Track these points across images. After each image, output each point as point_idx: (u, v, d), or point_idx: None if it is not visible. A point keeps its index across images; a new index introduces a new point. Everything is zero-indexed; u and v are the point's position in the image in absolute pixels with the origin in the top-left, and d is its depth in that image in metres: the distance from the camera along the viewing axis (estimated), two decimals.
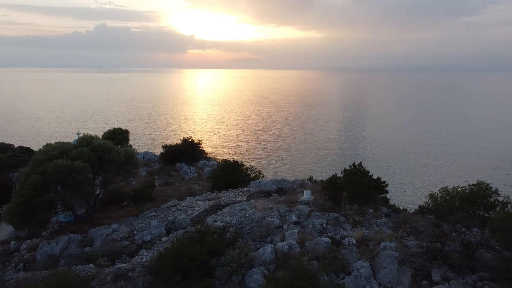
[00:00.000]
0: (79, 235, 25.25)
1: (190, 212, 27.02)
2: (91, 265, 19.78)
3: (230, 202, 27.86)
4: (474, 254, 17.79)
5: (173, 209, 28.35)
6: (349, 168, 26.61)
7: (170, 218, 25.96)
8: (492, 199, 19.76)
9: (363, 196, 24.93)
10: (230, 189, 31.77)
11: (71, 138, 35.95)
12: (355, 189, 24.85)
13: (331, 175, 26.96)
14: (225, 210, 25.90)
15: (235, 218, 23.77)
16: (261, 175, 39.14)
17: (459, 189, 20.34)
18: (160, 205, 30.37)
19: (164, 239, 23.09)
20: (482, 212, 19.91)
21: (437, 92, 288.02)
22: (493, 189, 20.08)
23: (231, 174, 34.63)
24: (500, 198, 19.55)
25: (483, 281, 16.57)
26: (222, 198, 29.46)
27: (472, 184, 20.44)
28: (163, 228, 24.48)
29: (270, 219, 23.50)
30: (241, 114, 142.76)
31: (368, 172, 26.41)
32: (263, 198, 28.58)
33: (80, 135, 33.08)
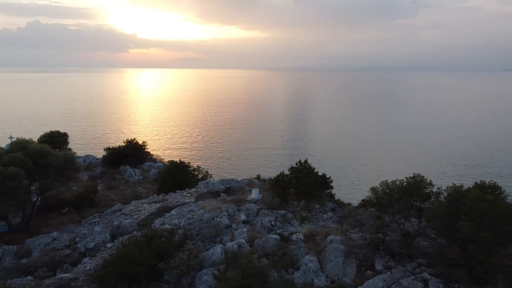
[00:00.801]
0: (15, 246, 23.56)
1: (136, 216, 26.20)
2: (29, 277, 18.55)
3: (178, 203, 27.39)
4: (412, 243, 18.91)
5: (118, 214, 27.33)
6: (296, 166, 27.17)
7: (115, 223, 25.01)
8: (427, 190, 21.09)
9: (310, 193, 25.60)
10: (177, 191, 31.22)
11: (2, 142, 33.46)
12: (302, 186, 25.43)
13: (278, 173, 27.38)
14: (173, 212, 25.41)
15: (183, 220, 23.40)
16: (209, 176, 38.87)
17: (397, 182, 21.50)
18: (103, 210, 29.15)
19: (109, 245, 22.21)
20: (418, 203, 21.20)
21: (377, 90, 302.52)
22: (428, 181, 21.45)
23: (178, 175, 34.03)
24: (434, 189, 20.92)
25: (421, 267, 17.66)
26: (170, 200, 28.88)
27: (409, 177, 21.68)
28: (107, 234, 23.52)
29: (219, 219, 23.41)
30: (187, 115, 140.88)
31: (314, 169, 27.13)
32: (212, 198, 28.40)
33: (13, 139, 30.89)
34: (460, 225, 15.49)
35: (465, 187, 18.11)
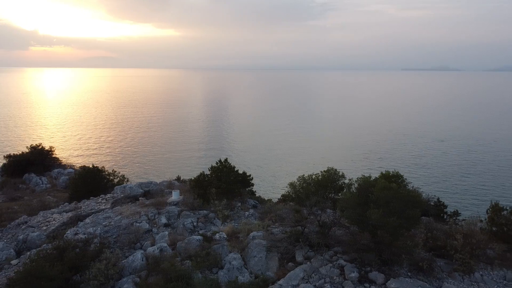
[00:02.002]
0: None
1: (45, 227, 24.13)
2: None
3: (93, 211, 25.81)
4: (329, 233, 20.02)
5: (23, 227, 24.93)
6: (216, 165, 27.20)
7: (21, 237, 22.81)
8: (340, 183, 22.50)
9: (231, 191, 25.82)
10: (91, 198, 29.41)
11: None
12: (223, 185, 25.54)
13: (199, 174, 27.17)
14: (87, 220, 23.89)
15: (99, 228, 22.13)
16: (126, 180, 37.21)
17: (313, 176, 22.62)
18: (6, 224, 26.38)
19: (14, 262, 20.18)
20: (333, 195, 22.54)
21: (291, 88, 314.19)
22: (340, 173, 22.89)
23: (91, 181, 32.08)
24: (346, 181, 22.38)
25: (337, 255, 18.79)
26: (83, 208, 27.09)
27: (324, 171, 22.94)
28: (12, 250, 21.36)
29: (138, 224, 22.55)
30: (99, 117, 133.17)
31: (234, 167, 27.40)
32: (130, 203, 27.23)
33: None
34: (369, 213, 16.75)
35: (373, 177, 19.63)
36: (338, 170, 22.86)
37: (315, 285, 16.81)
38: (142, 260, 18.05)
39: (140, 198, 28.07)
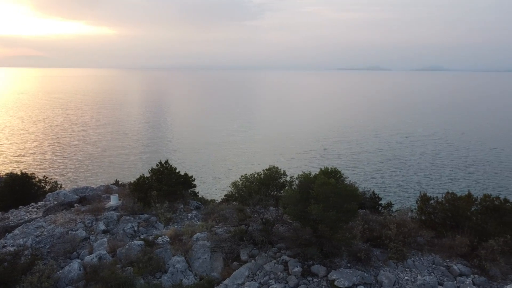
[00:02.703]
0: None
1: None
2: None
3: (22, 221, 24.05)
4: (272, 230, 20.35)
5: None
6: (157, 167, 26.54)
7: None
8: (281, 180, 22.94)
9: (173, 193, 25.33)
10: (20, 207, 27.36)
11: None
12: (164, 187, 24.98)
13: (139, 176, 26.35)
14: (16, 231, 22.22)
15: (30, 239, 20.67)
16: (59, 186, 35.10)
17: (256, 175, 22.85)
18: None
19: None
20: (275, 192, 22.92)
21: (232, 88, 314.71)
22: (282, 171, 23.34)
23: (20, 189, 29.86)
24: (288, 178, 22.87)
25: (281, 251, 19.16)
26: (11, 218, 25.14)
27: (266, 169, 23.26)
28: None
29: (74, 232, 21.39)
30: (27, 120, 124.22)
31: (175, 169, 26.91)
32: (64, 210, 25.73)
33: None
34: (310, 208, 17.27)
35: (313, 174, 20.25)
36: (279, 168, 23.30)
37: (260, 282, 17.00)
38: (80, 270, 17.14)
39: (75, 205, 26.62)
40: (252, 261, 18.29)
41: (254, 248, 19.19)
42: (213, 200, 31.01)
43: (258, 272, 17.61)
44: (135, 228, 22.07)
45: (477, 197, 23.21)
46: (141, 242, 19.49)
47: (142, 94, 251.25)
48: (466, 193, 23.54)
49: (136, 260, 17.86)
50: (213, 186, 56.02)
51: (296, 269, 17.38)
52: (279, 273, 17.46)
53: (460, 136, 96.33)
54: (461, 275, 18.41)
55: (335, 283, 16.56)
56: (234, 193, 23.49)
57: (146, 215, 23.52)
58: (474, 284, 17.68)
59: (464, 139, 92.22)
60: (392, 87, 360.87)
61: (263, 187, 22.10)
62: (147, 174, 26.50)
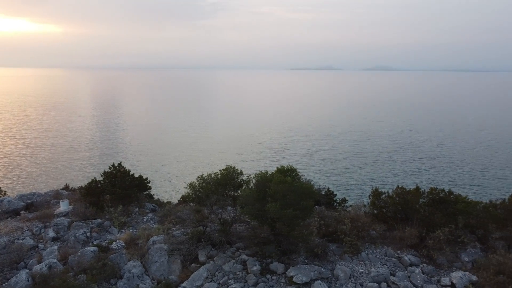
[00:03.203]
0: None
1: None
2: None
3: None
4: (230, 230, 20.32)
5: None
6: (109, 170, 25.68)
7: None
8: (239, 180, 22.96)
9: (127, 196, 24.62)
10: None
11: None
12: (117, 191, 24.22)
13: (90, 180, 25.36)
14: None
15: None
16: (3, 192, 32.99)
17: (212, 175, 22.71)
18: None
19: None
20: (233, 192, 22.90)
21: (185, 88, 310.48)
22: (239, 171, 23.36)
23: None
24: (245, 178, 22.92)
25: (239, 250, 19.18)
26: None
27: (223, 169, 23.18)
28: None
29: (20, 241, 20.22)
30: None
31: (129, 171, 26.17)
32: (9, 218, 24.25)
33: None
34: (268, 207, 17.42)
35: (269, 172, 20.44)
36: (236, 168, 23.30)
37: (219, 283, 16.93)
38: (28, 281, 16.24)
39: (21, 212, 25.15)
40: (211, 262, 18.18)
41: (213, 249, 19.09)
42: (169, 202, 30.48)
43: (217, 273, 17.53)
44: (88, 234, 21.23)
45: (424, 190, 24.47)
46: (94, 248, 18.78)
47: (90, 94, 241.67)
48: (415, 187, 24.75)
49: (89, 267, 17.19)
50: (169, 187, 55.06)
51: (255, 268, 17.47)
52: (238, 273, 17.48)
53: (408, 132, 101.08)
54: (411, 265, 19.33)
55: (293, 279, 16.83)
56: (191, 194, 23.20)
57: (99, 220, 22.69)
58: (423, 273, 18.62)
59: (411, 135, 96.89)
60: (343, 86, 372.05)
61: (220, 187, 22.01)
62: (99, 178, 25.57)
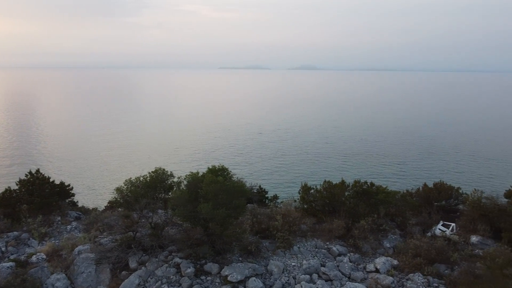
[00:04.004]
0: None
1: None
2: None
3: None
4: (162, 233, 19.81)
5: None
6: (26, 178, 23.73)
7: None
8: (169, 182, 22.47)
9: (47, 205, 22.92)
10: None
11: None
12: (36, 200, 22.46)
13: (4, 190, 23.22)
14: None
15: None
16: None
17: (141, 178, 21.95)
18: None
19: None
20: (163, 195, 22.35)
21: (109, 89, 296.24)
22: (169, 172, 22.86)
23: None
24: (175, 179, 22.47)
25: (172, 254, 18.77)
26: None
27: (152, 172, 22.51)
28: None
29: None
30: None
31: (49, 178, 24.42)
32: None
33: None
34: (200, 207, 17.25)
35: (201, 173, 20.25)
36: (166, 170, 22.77)
37: None
38: None
39: None
40: (143, 268, 17.58)
41: (144, 255, 18.47)
42: (95, 209, 28.94)
43: (149, 279, 17.00)
44: (3, 249, 19.42)
45: (349, 183, 25.89)
46: (11, 263, 17.23)
47: (1, 96, 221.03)
48: (340, 180, 26.06)
49: (6, 285, 15.72)
50: (94, 193, 52.21)
51: (188, 270, 17.22)
52: (171, 277, 17.10)
53: (333, 129, 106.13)
54: (339, 254, 20.33)
55: (228, 278, 16.86)
56: (118, 199, 22.22)
57: (15, 233, 20.86)
58: (350, 261, 19.68)
59: (336, 131, 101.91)
60: (271, 85, 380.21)
61: (150, 190, 21.37)
62: (14, 187, 23.50)
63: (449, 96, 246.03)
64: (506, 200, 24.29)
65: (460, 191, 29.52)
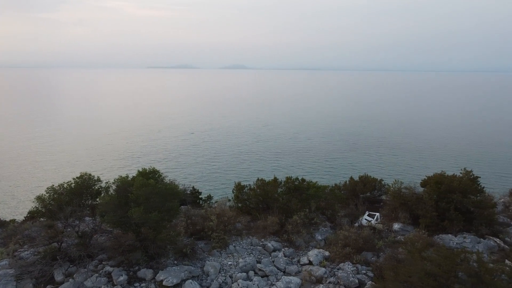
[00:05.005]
0: None
1: None
2: None
3: None
4: (90, 242, 18.77)
5: None
6: None
7: None
8: (96, 187, 21.31)
9: None
10: None
11: None
12: None
13: None
14: None
15: None
16: None
17: (65, 185, 20.58)
18: None
19: None
20: (90, 201, 21.15)
21: (27, 90, 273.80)
22: (96, 177, 21.67)
23: None
24: (103, 184, 21.36)
25: (103, 262, 17.88)
26: None
27: (77, 177, 21.19)
28: None
29: None
30: None
31: None
32: None
33: None
34: (131, 212, 16.61)
35: (131, 176, 19.50)
36: (92, 175, 21.59)
37: None
38: None
39: None
40: (70, 280, 16.54)
41: (71, 266, 17.38)
42: (13, 220, 26.67)
43: None
44: None
45: (281, 180, 26.54)
46: None
47: None
48: (273, 178, 26.62)
49: None
50: (12, 204, 48.01)
51: (121, 278, 16.52)
52: (102, 287, 16.30)
53: (263, 127, 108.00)
54: (274, 250, 20.78)
55: (164, 283, 16.46)
56: (40, 208, 20.64)
57: None
58: (285, 256, 20.20)
59: (268, 130, 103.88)
60: (201, 84, 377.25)
61: (75, 197, 20.12)
62: None
63: (373, 94, 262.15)
64: (422, 189, 26.47)
65: (383, 182, 31.65)
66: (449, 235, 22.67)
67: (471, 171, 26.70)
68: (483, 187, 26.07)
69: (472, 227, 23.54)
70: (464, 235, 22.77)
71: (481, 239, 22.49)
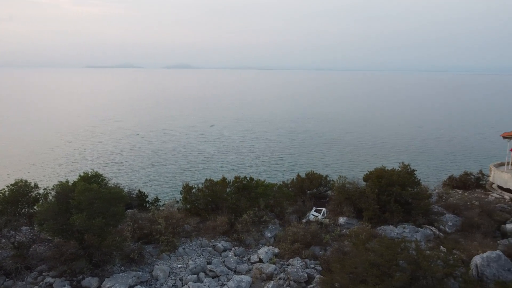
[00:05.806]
0: None
1: None
2: None
3: None
4: (28, 253, 17.65)
5: None
6: None
7: None
8: (34, 194, 20.10)
9: None
10: None
11: None
12: None
13: None
14: None
15: None
16: None
17: None
18: None
19: None
20: (27, 209, 19.90)
21: None
22: (33, 184, 20.44)
23: None
24: (41, 191, 20.20)
25: (43, 273, 16.88)
26: None
27: (11, 185, 19.87)
28: None
29: None
30: None
31: None
32: None
33: None
34: (72, 219, 15.84)
35: (71, 181, 18.58)
36: (28, 181, 20.31)
37: None
38: None
39: None
40: None
41: (7, 279, 16.24)
42: None
43: None
44: None
45: (230, 180, 26.56)
46: None
47: None
48: (221, 178, 26.57)
49: None
50: None
51: None
52: None
53: (209, 127, 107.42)
54: (224, 250, 20.75)
55: None
56: None
57: None
58: (235, 255, 20.25)
59: (213, 129, 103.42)
60: (144, 84, 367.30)
61: (10, 206, 18.84)
62: None
63: (317, 92, 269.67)
64: (365, 183, 27.71)
65: (328, 178, 32.71)
66: (390, 226, 23.93)
67: (409, 164, 28.36)
68: (419, 180, 27.81)
69: (410, 217, 25.02)
70: (403, 225, 24.15)
71: (419, 228, 23.98)
